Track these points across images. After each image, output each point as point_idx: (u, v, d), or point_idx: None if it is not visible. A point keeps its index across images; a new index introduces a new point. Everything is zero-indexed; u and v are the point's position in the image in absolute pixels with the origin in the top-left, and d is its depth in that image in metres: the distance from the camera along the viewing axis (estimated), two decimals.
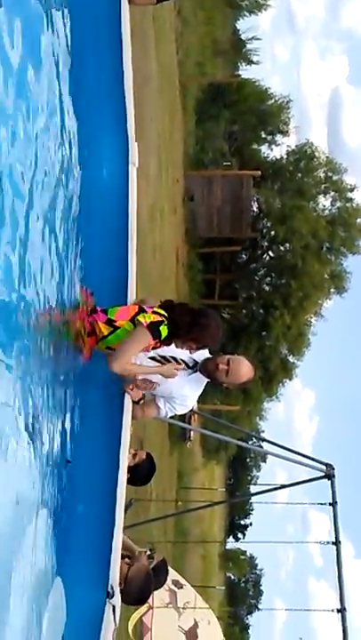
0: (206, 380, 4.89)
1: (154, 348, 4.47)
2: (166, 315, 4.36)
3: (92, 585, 4.08)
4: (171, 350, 4.63)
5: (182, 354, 4.69)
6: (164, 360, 4.66)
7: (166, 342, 4.40)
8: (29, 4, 3.59)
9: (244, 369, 4.81)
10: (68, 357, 4.41)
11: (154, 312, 4.36)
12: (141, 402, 4.73)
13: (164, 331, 4.27)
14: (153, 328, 4.25)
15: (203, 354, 4.78)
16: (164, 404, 4.79)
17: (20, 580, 3.35)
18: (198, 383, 4.89)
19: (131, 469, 4.63)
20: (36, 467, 3.66)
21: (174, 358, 4.69)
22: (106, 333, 4.37)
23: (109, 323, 4.37)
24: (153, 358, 4.67)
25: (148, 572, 4.64)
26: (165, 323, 4.30)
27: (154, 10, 17.47)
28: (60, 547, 4.00)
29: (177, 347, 4.47)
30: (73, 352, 4.45)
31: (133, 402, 4.59)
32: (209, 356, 4.82)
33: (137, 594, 4.59)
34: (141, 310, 4.38)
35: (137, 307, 4.44)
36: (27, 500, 3.53)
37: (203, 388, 4.94)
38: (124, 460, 4.39)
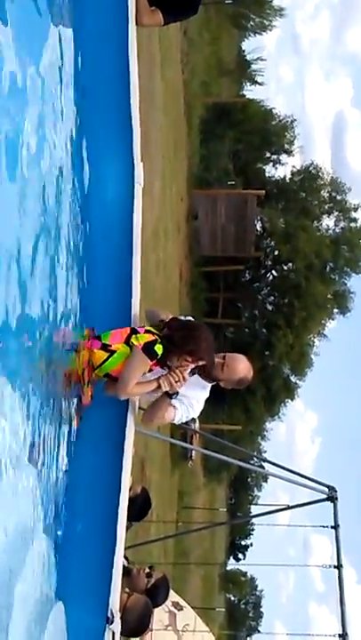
0: (209, 383, 4.76)
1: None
2: (159, 332, 4.33)
3: (91, 611, 4.02)
4: None
5: None
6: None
7: (163, 360, 4.33)
8: (35, 25, 3.58)
9: (240, 364, 4.76)
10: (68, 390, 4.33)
11: (146, 331, 4.32)
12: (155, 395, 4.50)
13: (159, 349, 4.24)
14: (148, 349, 4.22)
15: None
16: (180, 403, 4.55)
17: (20, 605, 3.30)
18: (203, 386, 4.76)
19: None
20: (37, 492, 3.61)
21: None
22: (102, 360, 4.29)
23: (105, 348, 4.30)
24: None
25: (147, 603, 4.57)
26: (159, 341, 4.27)
27: (160, 31, 17.58)
28: (60, 572, 3.95)
29: (173, 363, 4.33)
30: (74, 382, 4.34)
31: (168, 394, 4.41)
32: None
33: (134, 624, 4.51)
34: (133, 332, 4.33)
35: (129, 328, 4.39)
36: (26, 525, 3.48)
37: (208, 391, 4.81)
38: (126, 483, 4.33)
